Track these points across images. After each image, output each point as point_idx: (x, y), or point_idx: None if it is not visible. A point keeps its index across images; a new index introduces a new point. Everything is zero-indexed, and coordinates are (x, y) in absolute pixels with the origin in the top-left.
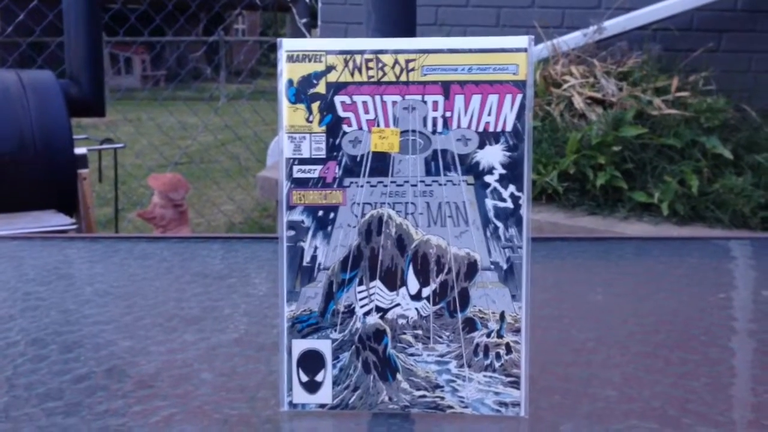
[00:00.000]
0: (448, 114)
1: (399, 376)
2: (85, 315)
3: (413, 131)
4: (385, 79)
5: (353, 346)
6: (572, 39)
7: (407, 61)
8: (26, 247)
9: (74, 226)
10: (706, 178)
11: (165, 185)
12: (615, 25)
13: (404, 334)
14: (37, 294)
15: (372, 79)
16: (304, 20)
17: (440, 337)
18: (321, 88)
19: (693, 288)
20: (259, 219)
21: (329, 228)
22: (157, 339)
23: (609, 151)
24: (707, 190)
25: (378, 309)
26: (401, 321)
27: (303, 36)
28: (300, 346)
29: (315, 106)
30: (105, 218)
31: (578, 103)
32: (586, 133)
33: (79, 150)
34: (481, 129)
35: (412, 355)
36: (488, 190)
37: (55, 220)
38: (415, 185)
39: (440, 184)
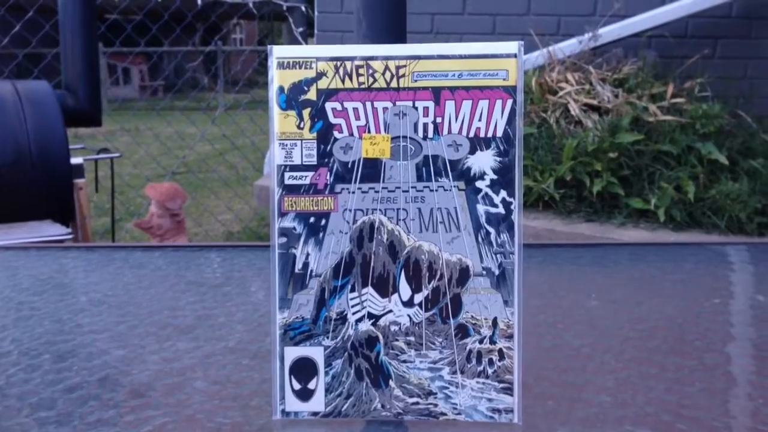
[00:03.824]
0: (438, 120)
1: (392, 383)
2: (79, 324)
3: (404, 137)
4: (376, 85)
5: (346, 353)
6: (568, 46)
7: (398, 68)
8: (21, 257)
9: (70, 236)
10: (703, 184)
11: (162, 195)
12: (610, 32)
13: (397, 340)
14: (31, 304)
15: (363, 86)
16: (300, 29)
17: (433, 344)
18: (312, 95)
19: (688, 293)
20: (257, 228)
21: (321, 234)
22: (150, 348)
23: (605, 157)
24: (703, 195)
25: (370, 316)
26: (393, 327)
27: (299, 45)
28: (292, 353)
29: (306, 112)
30: (102, 228)
31: (574, 109)
32: (582, 139)
33: (76, 160)
34: (471, 134)
35: (404, 361)
36: (480, 196)
37: (51, 230)
38: (407, 191)
39: (432, 190)
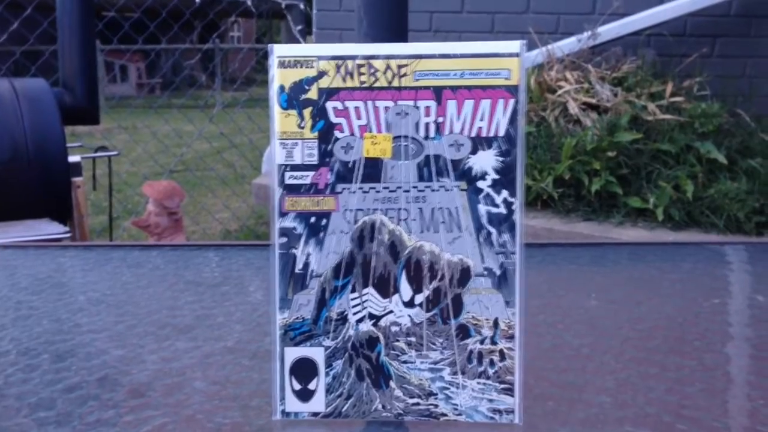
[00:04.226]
0: (440, 119)
1: (392, 384)
2: (78, 324)
3: (405, 137)
4: (377, 84)
5: (346, 354)
6: (567, 45)
7: (399, 67)
8: (19, 256)
9: (68, 235)
10: (701, 183)
11: (160, 193)
12: (609, 30)
13: (397, 341)
14: (30, 303)
15: (364, 85)
16: (299, 27)
17: (433, 344)
18: (313, 94)
19: (688, 293)
20: (254, 227)
21: (321, 234)
22: (149, 348)
23: (604, 156)
24: (702, 195)
25: (371, 316)
26: (394, 328)
27: (298, 43)
28: (293, 354)
29: (307, 111)
30: (100, 226)
31: (573, 108)
32: (581, 138)
33: (73, 158)
34: (473, 134)
35: (405, 362)
36: (481, 196)
37: (48, 229)
38: (408, 191)
39: (433, 190)
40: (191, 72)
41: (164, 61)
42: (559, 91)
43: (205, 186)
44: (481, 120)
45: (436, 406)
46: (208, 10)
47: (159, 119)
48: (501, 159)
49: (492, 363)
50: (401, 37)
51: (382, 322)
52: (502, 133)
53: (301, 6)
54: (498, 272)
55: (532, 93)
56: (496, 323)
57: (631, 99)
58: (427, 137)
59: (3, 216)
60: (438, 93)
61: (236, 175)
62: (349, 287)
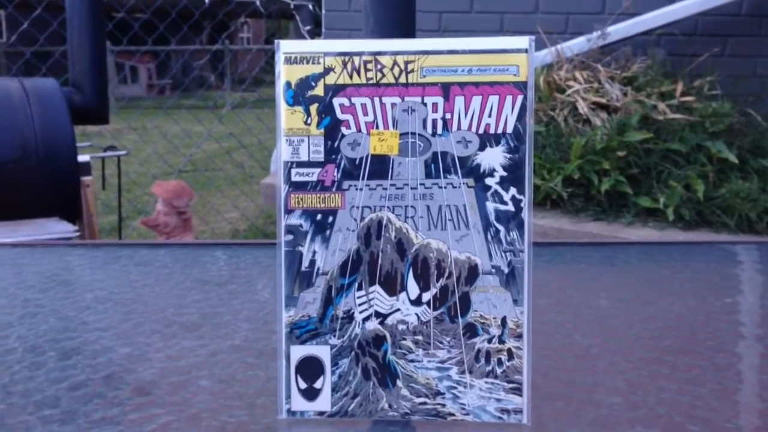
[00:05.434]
0: (448, 116)
1: (399, 383)
2: (84, 322)
3: (413, 133)
4: (384, 80)
5: (352, 352)
6: (576, 44)
7: (406, 63)
8: (27, 254)
9: (77, 234)
10: (712, 182)
11: (169, 193)
12: (619, 30)
13: (404, 339)
14: (37, 301)
15: (371, 81)
16: (307, 27)
17: (441, 343)
18: (319, 91)
19: (699, 293)
20: (263, 226)
21: (328, 232)
22: (155, 346)
23: (614, 156)
24: (713, 194)
25: (377, 314)
26: (401, 326)
27: None
28: (298, 352)
29: (313, 108)
30: (109, 226)
31: (582, 108)
32: (590, 138)
33: (83, 157)
34: (481, 131)
35: (412, 361)
36: (489, 193)
37: (57, 228)
38: (415, 188)
39: (440, 187)
40: (201, 73)
41: (174, 62)
42: (569, 91)
43: (214, 186)
44: (489, 116)
45: (444, 405)
46: (218, 10)
47: (168, 120)
48: (509, 156)
49: (500, 362)
50: (409, 34)
51: (389, 321)
52: (510, 129)
53: (310, 6)
54: (506, 270)
55: (542, 92)
56: (504, 322)
57: (641, 98)
58: (434, 134)
59: (13, 215)
60: (446, 89)
61: (245, 175)
62: (356, 285)
